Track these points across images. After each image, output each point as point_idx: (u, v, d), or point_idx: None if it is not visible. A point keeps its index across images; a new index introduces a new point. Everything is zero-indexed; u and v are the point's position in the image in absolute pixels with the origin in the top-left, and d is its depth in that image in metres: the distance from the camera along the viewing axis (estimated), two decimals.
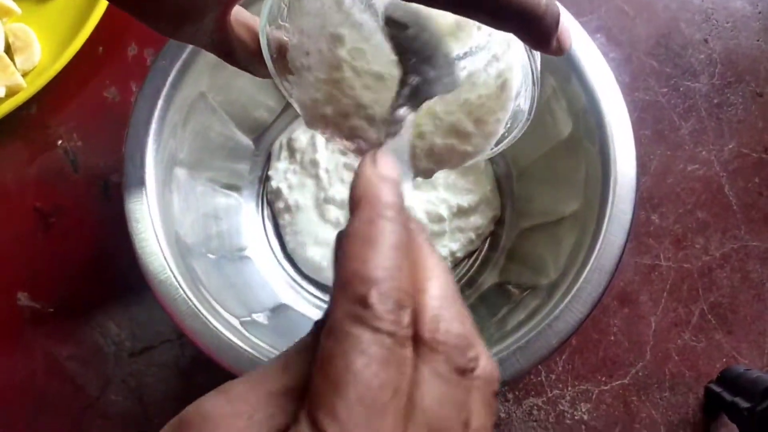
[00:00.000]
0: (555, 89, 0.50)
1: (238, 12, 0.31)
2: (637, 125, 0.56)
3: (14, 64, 0.57)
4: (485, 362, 0.22)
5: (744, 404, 0.46)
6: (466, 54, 0.30)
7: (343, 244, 0.21)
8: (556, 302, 0.44)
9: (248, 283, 0.51)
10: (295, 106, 0.32)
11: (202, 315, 0.43)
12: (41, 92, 0.56)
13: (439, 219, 0.54)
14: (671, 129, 0.57)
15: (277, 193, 0.55)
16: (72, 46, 0.57)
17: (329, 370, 0.19)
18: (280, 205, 0.55)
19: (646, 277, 0.54)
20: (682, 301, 0.54)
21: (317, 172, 0.54)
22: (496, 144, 0.33)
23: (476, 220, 0.54)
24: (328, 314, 0.21)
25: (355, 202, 0.22)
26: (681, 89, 0.58)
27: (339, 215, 0.53)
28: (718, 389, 0.50)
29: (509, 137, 0.33)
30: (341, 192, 0.54)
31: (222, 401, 0.20)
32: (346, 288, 0.20)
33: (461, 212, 0.54)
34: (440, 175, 0.54)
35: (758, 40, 0.59)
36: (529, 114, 0.32)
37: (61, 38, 0.59)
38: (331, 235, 0.53)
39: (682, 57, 0.59)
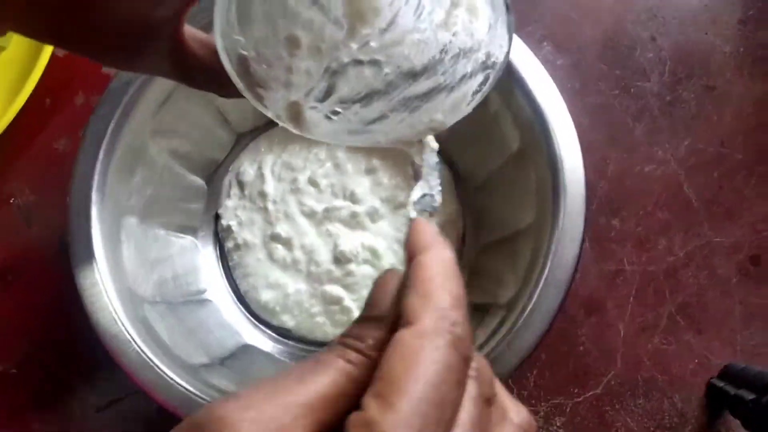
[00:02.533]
0: (500, 104, 0.49)
1: (189, 30, 0.29)
2: (591, 130, 0.56)
3: None
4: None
5: (749, 396, 0.46)
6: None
7: (388, 351, 0.22)
8: (514, 320, 0.43)
9: (208, 327, 0.51)
10: (274, 119, 0.31)
11: (157, 367, 0.42)
12: None
13: None
14: (625, 131, 0.57)
15: (228, 231, 0.54)
16: (17, 100, 0.56)
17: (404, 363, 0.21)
18: (230, 244, 0.54)
19: (611, 284, 0.54)
20: (650, 305, 0.53)
21: (265, 205, 0.54)
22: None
23: None
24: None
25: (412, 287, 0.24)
26: (632, 90, 0.58)
27: (285, 255, 0.53)
28: (720, 384, 0.50)
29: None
30: (287, 230, 0.53)
31: (235, 407, 0.20)
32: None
33: None
34: (402, 197, 0.54)
35: (706, 33, 0.59)
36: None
37: (6, 93, 0.58)
38: (280, 276, 0.53)
39: (631, 58, 0.58)
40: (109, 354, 0.44)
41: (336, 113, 0.31)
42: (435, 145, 0.33)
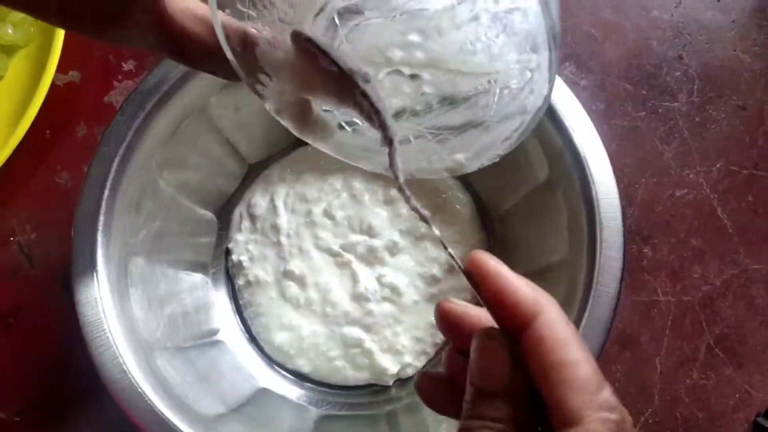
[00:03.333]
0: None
1: (182, 3, 0.26)
2: (618, 154, 0.54)
3: None
4: None
5: None
6: None
7: None
8: None
9: (221, 371, 0.48)
10: (273, 113, 0.27)
11: (170, 422, 0.40)
12: None
13: (435, 280, 0.50)
14: (654, 154, 0.54)
15: (239, 266, 0.52)
16: (16, 132, 0.53)
17: None
18: (241, 281, 0.52)
19: (645, 316, 0.51)
20: (687, 337, 0.51)
21: (279, 239, 0.51)
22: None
23: None
24: None
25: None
26: (660, 111, 0.55)
27: (299, 294, 0.50)
28: (766, 423, 0.48)
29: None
30: (300, 267, 0.50)
31: None
32: None
33: (452, 268, 0.51)
34: (424, 229, 0.51)
35: (735, 50, 0.56)
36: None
37: (4, 125, 0.55)
38: (294, 317, 0.50)
39: (657, 77, 0.56)
40: (116, 402, 0.41)
41: (351, 124, 0.28)
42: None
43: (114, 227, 0.44)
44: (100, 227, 0.43)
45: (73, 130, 0.56)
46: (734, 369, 0.50)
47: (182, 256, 0.50)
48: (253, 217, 0.53)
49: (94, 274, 0.42)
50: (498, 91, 0.27)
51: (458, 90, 0.27)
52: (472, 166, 0.28)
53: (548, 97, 0.27)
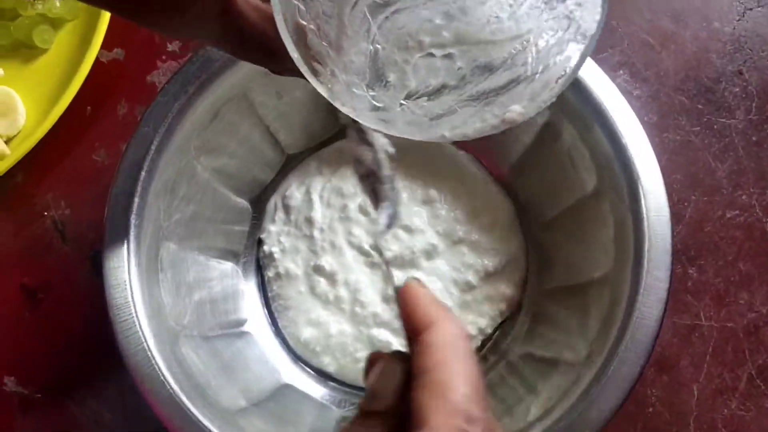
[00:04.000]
0: (575, 136, 0.45)
1: None
2: (668, 169, 0.52)
3: None
4: None
5: None
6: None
7: None
8: (587, 386, 0.39)
9: (246, 363, 0.47)
10: (328, 98, 0.28)
11: (190, 412, 0.39)
12: (27, 158, 0.53)
13: (469, 287, 0.49)
14: (706, 172, 0.52)
15: (270, 257, 0.51)
16: (57, 106, 0.53)
17: None
18: (271, 272, 0.51)
19: (686, 339, 0.49)
20: (728, 365, 0.48)
21: (312, 233, 0.50)
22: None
23: (506, 288, 0.49)
24: None
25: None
26: (715, 127, 0.53)
27: (328, 291, 0.49)
28: None
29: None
30: (331, 263, 0.49)
31: None
32: None
33: (488, 276, 0.49)
34: (462, 233, 0.49)
35: None
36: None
37: (46, 99, 0.55)
38: (322, 314, 0.49)
39: (715, 91, 0.54)
40: (138, 389, 0.41)
41: (399, 104, 0.28)
42: (391, 150, 0.32)
43: (148, 209, 0.43)
44: (134, 209, 0.42)
45: (114, 108, 0.56)
46: None
47: (214, 244, 0.49)
48: (287, 208, 0.52)
49: (125, 257, 0.41)
50: (534, 48, 0.27)
51: (493, 58, 0.28)
52: (532, 111, 0.27)
53: (601, 19, 0.26)
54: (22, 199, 0.54)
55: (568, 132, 0.45)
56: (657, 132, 0.53)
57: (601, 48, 0.54)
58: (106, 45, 0.56)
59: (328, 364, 0.48)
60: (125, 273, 0.41)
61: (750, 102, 0.53)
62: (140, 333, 0.40)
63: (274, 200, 0.53)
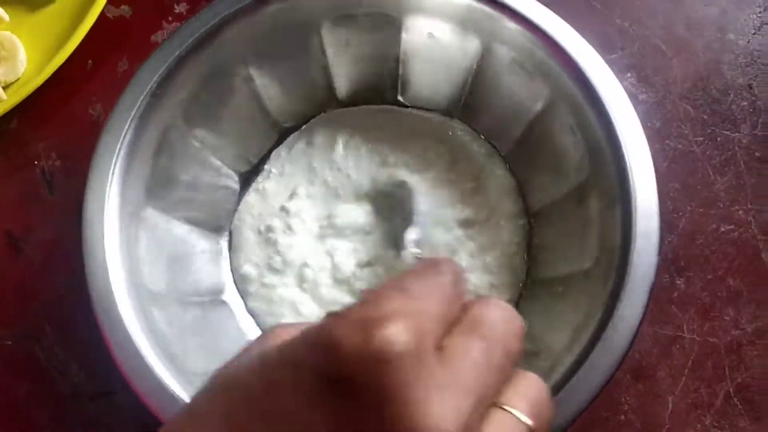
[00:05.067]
0: (572, 126, 0.44)
1: None
2: (667, 177, 0.51)
3: None
4: None
5: None
6: None
7: None
8: (555, 385, 0.38)
9: (221, 333, 0.46)
10: None
11: (159, 375, 0.38)
12: (23, 106, 0.53)
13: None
14: (705, 183, 0.51)
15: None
16: (58, 56, 0.53)
17: None
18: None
19: (665, 350, 0.48)
20: (706, 380, 0.48)
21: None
22: None
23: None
24: None
25: None
26: (719, 139, 0.52)
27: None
28: None
29: None
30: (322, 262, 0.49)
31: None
32: None
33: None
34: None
35: None
36: None
37: (49, 49, 0.55)
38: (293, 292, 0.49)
39: (722, 103, 0.53)
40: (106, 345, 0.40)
41: None
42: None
43: (134, 168, 0.43)
44: (119, 163, 0.42)
45: (115, 65, 0.56)
46: (750, 422, 0.47)
47: (199, 213, 0.48)
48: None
49: (105, 212, 0.41)
50: None
51: None
52: None
53: None
54: (14, 146, 0.54)
55: (566, 119, 0.44)
56: (659, 138, 0.52)
57: (611, 48, 0.54)
58: (114, 1, 0.56)
59: None
60: (102, 228, 0.41)
61: (757, 117, 0.52)
62: (113, 293, 0.40)
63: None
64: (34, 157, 0.53)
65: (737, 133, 0.52)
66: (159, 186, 0.45)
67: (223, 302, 0.48)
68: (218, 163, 0.49)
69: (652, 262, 0.39)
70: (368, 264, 0.48)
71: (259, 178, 0.51)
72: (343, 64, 0.49)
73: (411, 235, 0.45)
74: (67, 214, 0.52)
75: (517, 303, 0.48)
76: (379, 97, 0.52)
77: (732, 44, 0.54)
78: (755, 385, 0.48)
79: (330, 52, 0.48)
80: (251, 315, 0.49)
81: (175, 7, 0.56)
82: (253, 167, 0.52)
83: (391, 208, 0.49)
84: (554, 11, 0.44)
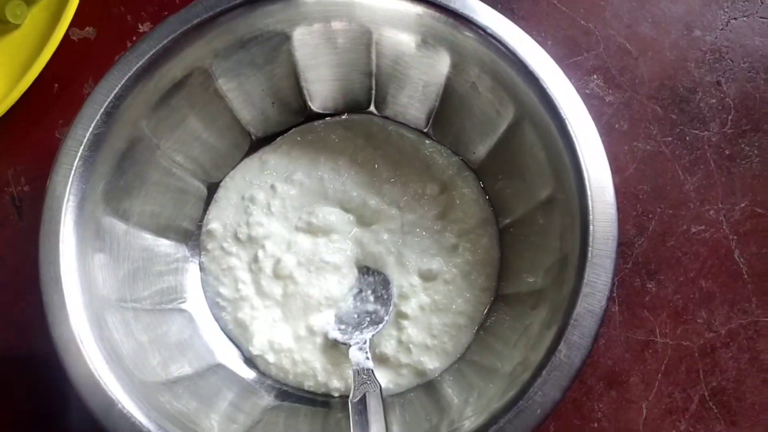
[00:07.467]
0: (536, 138, 0.43)
1: None
2: (634, 179, 0.50)
3: None
4: None
5: None
6: None
7: None
8: (518, 392, 0.37)
9: (182, 341, 0.46)
10: None
11: (106, 387, 0.38)
12: None
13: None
14: (674, 184, 0.50)
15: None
16: (23, 81, 0.53)
17: None
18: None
19: (638, 355, 0.48)
20: (680, 385, 0.47)
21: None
22: None
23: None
24: None
25: None
26: (687, 138, 0.51)
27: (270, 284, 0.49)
28: None
29: None
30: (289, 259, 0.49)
31: None
32: None
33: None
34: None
35: None
36: None
37: (14, 74, 0.55)
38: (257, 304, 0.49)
39: (690, 102, 0.52)
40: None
41: None
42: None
43: (94, 178, 0.42)
44: (77, 175, 0.42)
45: (81, 87, 0.56)
46: (726, 426, 0.46)
47: (165, 220, 0.48)
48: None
49: (61, 228, 0.41)
50: None
51: None
52: None
53: None
54: None
55: (529, 132, 0.44)
56: (626, 140, 0.51)
57: (575, 51, 0.53)
58: (79, 23, 0.56)
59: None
60: (59, 245, 0.41)
61: (726, 114, 0.52)
62: (66, 307, 0.40)
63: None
64: (4, 184, 0.54)
65: (706, 132, 0.51)
66: (121, 195, 0.44)
67: (185, 311, 0.48)
68: (183, 173, 0.49)
69: (610, 262, 0.38)
70: (312, 273, 0.49)
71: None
72: (315, 78, 0.50)
73: (366, 335, 0.46)
74: (36, 239, 0.52)
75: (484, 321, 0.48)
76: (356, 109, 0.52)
77: (699, 41, 0.53)
78: (731, 388, 0.47)
79: (300, 63, 0.48)
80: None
81: (140, 26, 0.56)
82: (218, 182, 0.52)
83: (370, 285, 0.49)
84: (519, 15, 0.43)
